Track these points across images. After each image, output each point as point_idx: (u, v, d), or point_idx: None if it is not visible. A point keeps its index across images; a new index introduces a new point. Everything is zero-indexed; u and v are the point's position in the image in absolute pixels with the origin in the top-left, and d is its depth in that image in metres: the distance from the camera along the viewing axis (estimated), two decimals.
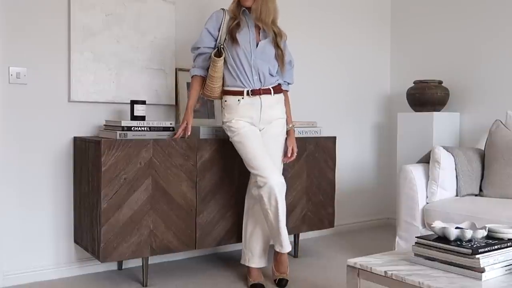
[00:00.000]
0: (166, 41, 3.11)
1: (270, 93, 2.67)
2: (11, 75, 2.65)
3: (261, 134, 2.68)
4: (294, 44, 2.95)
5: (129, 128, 2.59)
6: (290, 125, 2.84)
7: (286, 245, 2.65)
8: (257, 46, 2.64)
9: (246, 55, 2.62)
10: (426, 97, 3.67)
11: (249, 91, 2.63)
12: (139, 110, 2.74)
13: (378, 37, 4.28)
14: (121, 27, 2.95)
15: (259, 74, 2.64)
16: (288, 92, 2.88)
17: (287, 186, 2.90)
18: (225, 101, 2.69)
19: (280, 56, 2.70)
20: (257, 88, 2.64)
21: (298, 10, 3.75)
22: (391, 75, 4.35)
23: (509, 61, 3.55)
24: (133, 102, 2.74)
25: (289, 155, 2.81)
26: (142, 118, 2.74)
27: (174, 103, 3.14)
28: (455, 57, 3.87)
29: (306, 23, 3.80)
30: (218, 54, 2.64)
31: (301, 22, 3.76)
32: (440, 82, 3.73)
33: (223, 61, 2.64)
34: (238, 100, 2.64)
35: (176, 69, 3.14)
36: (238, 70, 2.63)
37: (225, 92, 2.69)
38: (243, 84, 2.64)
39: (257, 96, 2.64)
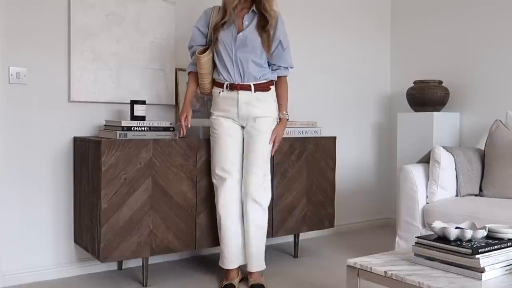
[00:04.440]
0: (166, 41, 3.11)
1: (250, 90, 2.62)
2: (11, 75, 2.65)
3: (245, 131, 2.67)
4: (294, 44, 2.94)
5: (129, 128, 2.59)
6: (284, 113, 2.73)
7: (221, 258, 2.73)
8: (236, 39, 2.59)
9: (227, 49, 2.61)
10: (426, 97, 3.67)
11: (228, 85, 2.63)
12: (139, 110, 2.74)
13: (378, 37, 4.28)
14: (121, 27, 2.95)
15: (239, 68, 2.61)
16: (286, 77, 2.77)
17: (285, 188, 2.92)
18: (212, 92, 2.72)
19: (265, 41, 2.60)
20: (236, 83, 2.62)
21: (298, 10, 3.75)
22: (391, 75, 4.35)
23: (509, 61, 3.55)
24: (133, 102, 2.75)
25: (270, 142, 2.66)
26: (142, 118, 2.74)
27: (174, 103, 3.14)
28: (455, 57, 3.87)
29: (306, 22, 3.80)
30: (204, 51, 2.65)
31: (301, 22, 3.76)
32: (440, 82, 3.73)
33: (206, 57, 2.65)
34: (219, 92, 2.65)
35: (176, 69, 3.14)
36: (220, 64, 2.64)
37: (213, 83, 2.73)
38: (224, 78, 2.64)
39: (235, 91, 2.62)
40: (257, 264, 2.70)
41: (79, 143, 2.76)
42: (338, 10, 4.00)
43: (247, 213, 2.65)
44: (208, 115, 3.19)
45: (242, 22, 2.63)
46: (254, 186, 2.63)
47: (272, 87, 2.71)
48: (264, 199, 2.67)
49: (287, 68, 2.76)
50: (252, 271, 2.69)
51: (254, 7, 2.62)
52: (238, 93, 2.61)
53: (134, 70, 3.00)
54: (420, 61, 4.11)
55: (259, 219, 2.67)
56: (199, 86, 2.76)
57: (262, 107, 2.64)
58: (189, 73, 2.79)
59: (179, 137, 2.73)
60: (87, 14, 2.83)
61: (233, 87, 2.62)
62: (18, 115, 2.69)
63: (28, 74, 2.70)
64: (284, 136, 2.97)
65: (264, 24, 2.60)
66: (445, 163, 2.97)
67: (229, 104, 2.63)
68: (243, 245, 2.70)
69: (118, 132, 2.56)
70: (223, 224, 2.69)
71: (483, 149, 3.15)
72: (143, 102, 2.77)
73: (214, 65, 2.70)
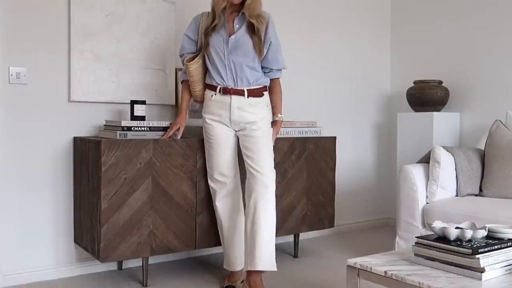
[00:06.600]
0: (166, 41, 3.11)
1: (243, 95, 2.58)
2: (11, 75, 2.65)
3: (241, 135, 2.63)
4: (293, 44, 2.95)
5: (129, 128, 2.59)
6: (279, 115, 2.70)
7: (225, 261, 2.78)
8: (228, 43, 2.57)
9: (219, 54, 2.58)
10: (426, 97, 3.67)
11: (221, 89, 2.60)
12: (139, 110, 2.74)
13: (378, 37, 4.28)
14: (121, 27, 2.95)
15: (232, 72, 2.58)
16: (279, 80, 2.73)
17: (285, 188, 2.93)
18: (205, 94, 2.69)
19: (257, 43, 2.58)
20: (229, 88, 2.59)
21: (298, 10, 3.75)
22: (391, 75, 4.35)
23: (509, 61, 3.55)
24: (133, 102, 2.75)
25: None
26: (142, 118, 2.74)
27: (174, 103, 3.14)
28: (455, 57, 3.87)
29: (306, 22, 3.80)
30: (192, 58, 2.64)
31: (301, 22, 3.76)
32: (440, 82, 3.73)
33: (195, 65, 2.63)
34: (211, 95, 2.63)
35: (176, 69, 3.14)
36: (213, 68, 2.61)
37: (205, 86, 2.69)
38: (217, 82, 2.61)
39: (228, 96, 2.59)
40: (264, 261, 2.51)
41: (79, 143, 2.76)
42: (338, 10, 4.00)
43: (255, 209, 2.52)
44: None
45: (233, 25, 2.60)
46: (262, 182, 2.54)
47: (266, 93, 2.67)
48: (272, 187, 2.58)
49: (280, 70, 2.72)
50: (255, 270, 2.52)
51: (244, 9, 2.56)
52: (231, 98, 2.58)
53: (134, 70, 3.00)
54: (420, 61, 4.11)
55: (268, 213, 2.54)
56: (191, 94, 2.75)
57: (254, 113, 2.60)
58: (182, 82, 2.78)
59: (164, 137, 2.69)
60: (87, 14, 2.83)
61: (226, 91, 2.58)
62: (18, 115, 2.69)
63: (28, 74, 2.70)
64: (284, 136, 2.96)
65: (255, 28, 2.57)
66: (445, 163, 2.97)
67: (221, 108, 2.60)
68: (245, 246, 2.66)
69: (118, 132, 2.56)
70: (225, 227, 2.69)
71: (483, 149, 3.15)
72: (143, 102, 2.77)
73: (205, 72, 2.69)
